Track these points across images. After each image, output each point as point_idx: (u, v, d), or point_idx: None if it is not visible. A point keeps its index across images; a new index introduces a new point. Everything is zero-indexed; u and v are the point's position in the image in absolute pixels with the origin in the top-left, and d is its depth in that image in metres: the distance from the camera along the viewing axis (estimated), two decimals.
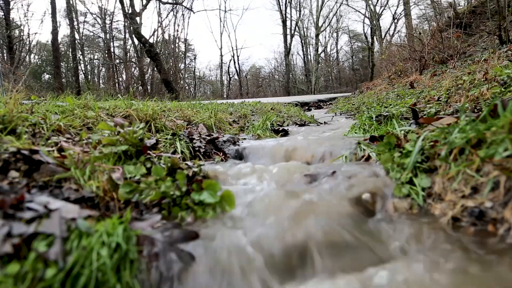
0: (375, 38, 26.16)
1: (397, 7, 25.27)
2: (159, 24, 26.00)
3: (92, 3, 39.09)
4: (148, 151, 1.38)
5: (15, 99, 1.45)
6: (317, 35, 28.96)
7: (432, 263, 0.77)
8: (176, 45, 27.78)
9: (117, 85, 24.26)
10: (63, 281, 0.65)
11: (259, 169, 1.48)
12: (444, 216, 0.95)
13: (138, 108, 2.30)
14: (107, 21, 26.47)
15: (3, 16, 18.50)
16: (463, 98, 2.64)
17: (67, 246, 0.71)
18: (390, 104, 4.12)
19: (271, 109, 4.86)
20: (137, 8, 19.38)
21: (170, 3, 24.23)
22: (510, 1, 7.08)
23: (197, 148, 1.97)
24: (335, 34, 33.43)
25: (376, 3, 25.26)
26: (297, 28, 30.80)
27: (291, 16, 30.46)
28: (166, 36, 26.85)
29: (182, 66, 29.24)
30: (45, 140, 1.40)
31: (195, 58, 32.32)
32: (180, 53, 28.94)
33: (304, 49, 32.15)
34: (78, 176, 1.07)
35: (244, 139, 2.51)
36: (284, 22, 29.40)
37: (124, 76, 25.82)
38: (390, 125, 2.40)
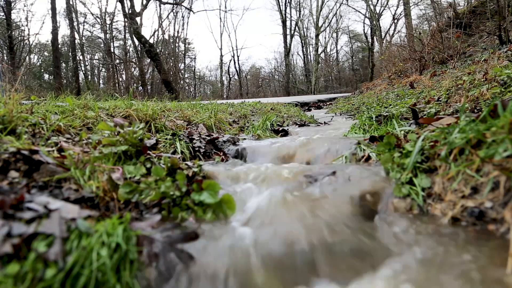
0: (375, 38, 26.17)
1: (397, 7, 25.31)
2: (159, 25, 26.02)
3: (92, 3, 39.18)
4: (148, 151, 1.38)
5: (15, 99, 1.45)
6: (317, 35, 28.97)
7: (432, 263, 0.77)
8: (176, 45, 27.80)
9: (117, 85, 24.26)
10: (63, 281, 0.65)
11: (259, 169, 1.48)
12: (444, 216, 0.95)
13: (138, 108, 2.30)
14: (107, 21, 26.50)
15: (4, 17, 18.51)
16: (463, 98, 2.64)
17: (67, 246, 0.71)
18: (390, 104, 4.12)
19: (271, 109, 4.86)
20: (137, 8, 19.40)
21: (170, 3, 24.24)
22: (510, 1, 7.08)
23: (197, 148, 1.97)
24: (335, 34, 33.48)
25: (376, 3, 25.29)
26: (297, 28, 30.84)
27: (291, 16, 30.52)
28: (166, 36, 26.88)
29: (182, 66, 29.27)
30: (45, 140, 1.40)
31: (195, 58, 32.37)
32: (180, 53, 28.95)
33: (304, 49, 32.21)
34: (78, 176, 1.07)
35: (244, 139, 2.51)
36: (284, 22, 29.41)
37: (124, 76, 25.83)
38: (390, 125, 2.40)
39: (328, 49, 34.23)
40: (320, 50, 30.50)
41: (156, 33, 25.99)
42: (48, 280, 0.64)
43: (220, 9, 34.26)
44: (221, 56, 32.49)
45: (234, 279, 0.76)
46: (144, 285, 0.74)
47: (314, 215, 0.99)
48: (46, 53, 28.09)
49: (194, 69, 32.71)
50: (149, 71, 25.68)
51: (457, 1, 11.08)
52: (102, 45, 27.96)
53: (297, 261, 0.83)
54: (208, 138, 2.11)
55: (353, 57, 34.08)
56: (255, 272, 0.78)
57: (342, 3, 28.72)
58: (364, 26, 32.11)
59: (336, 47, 34.84)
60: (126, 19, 19.85)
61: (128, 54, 26.50)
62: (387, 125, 2.44)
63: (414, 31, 12.94)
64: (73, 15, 24.12)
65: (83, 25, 27.05)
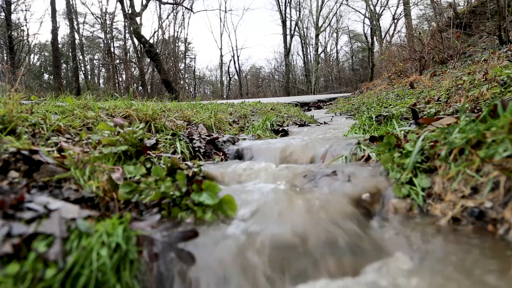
0: (375, 38, 26.17)
1: (397, 7, 25.30)
2: (159, 25, 26.02)
3: (92, 3, 39.23)
4: (148, 151, 1.38)
5: (15, 99, 1.45)
6: (317, 35, 28.96)
7: (432, 264, 0.77)
8: (176, 45, 27.80)
9: (117, 85, 24.26)
10: (63, 281, 0.65)
11: (259, 169, 1.48)
12: (444, 216, 0.95)
13: (138, 108, 2.31)
14: (107, 21, 26.49)
15: (4, 17, 18.51)
16: (463, 98, 2.64)
17: (67, 246, 0.71)
18: (390, 104, 4.12)
19: (271, 109, 4.86)
20: (137, 8, 19.40)
21: (170, 3, 24.24)
22: (510, 1, 7.09)
23: (197, 148, 1.98)
24: (335, 34, 33.48)
25: (376, 3, 25.28)
26: (297, 28, 30.84)
27: (291, 16, 30.53)
28: (166, 37, 26.87)
29: (182, 66, 29.27)
30: (45, 140, 1.40)
31: (195, 58, 32.39)
32: (180, 53, 28.95)
33: (304, 49, 32.21)
34: (78, 176, 1.07)
35: (244, 139, 2.51)
36: (284, 22, 29.42)
37: (124, 76, 25.83)
38: (390, 125, 2.40)
39: (328, 49, 34.27)
40: (320, 50, 30.51)
41: (156, 33, 26.01)
42: (48, 280, 0.64)
43: (220, 9, 34.37)
44: (221, 56, 32.52)
45: (233, 276, 0.76)
46: (144, 285, 0.74)
47: (314, 215, 0.99)
48: (46, 53, 28.11)
49: (194, 69, 32.74)
50: (149, 71, 25.68)
51: (457, 1, 11.08)
52: (102, 45, 27.97)
53: (293, 259, 0.83)
54: (208, 138, 2.11)
55: (353, 57, 34.08)
56: (253, 269, 0.78)
57: (342, 3, 28.75)
58: (364, 26, 32.13)
59: (336, 47, 34.89)
60: (126, 19, 19.86)
61: (128, 54, 26.50)
62: (387, 125, 2.44)
63: (414, 31, 12.94)
64: (73, 15, 24.12)
65: (83, 25, 27.07)
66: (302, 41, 31.96)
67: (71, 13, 23.46)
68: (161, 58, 19.87)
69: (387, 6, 25.76)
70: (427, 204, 1.03)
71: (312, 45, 31.16)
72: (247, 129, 3.14)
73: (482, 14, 9.18)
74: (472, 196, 0.93)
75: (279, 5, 29.54)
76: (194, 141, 2.03)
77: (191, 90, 31.99)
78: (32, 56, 26.69)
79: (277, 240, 0.87)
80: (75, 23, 24.69)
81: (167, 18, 27.26)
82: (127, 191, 1.05)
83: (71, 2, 23.76)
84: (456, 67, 5.96)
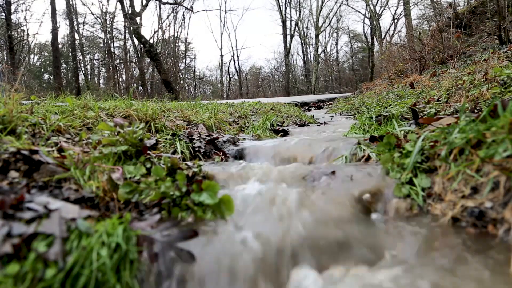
0: (375, 38, 26.17)
1: (397, 7, 25.30)
2: (159, 25, 26.02)
3: (93, 3, 39.25)
4: (148, 151, 1.38)
5: (15, 99, 1.45)
6: (317, 35, 28.96)
7: (431, 264, 0.77)
8: (176, 45, 27.79)
9: (117, 85, 24.25)
10: (63, 281, 0.65)
11: (259, 169, 1.48)
12: (444, 216, 0.95)
13: (138, 108, 2.30)
14: (107, 21, 26.48)
15: (4, 17, 18.51)
16: (463, 98, 2.64)
17: (67, 246, 0.71)
18: (390, 104, 4.12)
19: (271, 109, 4.86)
20: (137, 8, 19.39)
21: (170, 3, 24.23)
22: (510, 1, 7.09)
23: (197, 148, 1.97)
24: (335, 34, 33.48)
25: (376, 3, 25.27)
26: (297, 28, 30.85)
27: (291, 16, 30.54)
28: (166, 37, 26.88)
29: (182, 66, 29.27)
30: (45, 140, 1.40)
31: (195, 58, 32.39)
32: (180, 53, 28.95)
33: (304, 49, 32.21)
34: (78, 176, 1.07)
35: (244, 139, 2.51)
36: (284, 22, 29.42)
37: (124, 76, 25.82)
38: (390, 125, 2.40)
39: (328, 49, 34.27)
40: (320, 50, 30.51)
41: (156, 33, 26.01)
42: (48, 280, 0.64)
43: (220, 9, 34.35)
44: (221, 56, 32.53)
45: (233, 276, 0.76)
46: (144, 285, 0.74)
47: (314, 214, 0.99)
48: (46, 53, 28.12)
49: (194, 69, 32.75)
50: (149, 71, 25.68)
51: (457, 1, 11.08)
52: (102, 45, 27.97)
53: (291, 258, 0.83)
54: (208, 138, 2.11)
55: (353, 57, 34.06)
56: (252, 268, 0.78)
57: (342, 3, 28.75)
58: (364, 26, 32.12)
59: (336, 47, 34.89)
60: (126, 19, 19.85)
61: (128, 54, 26.49)
62: (387, 125, 2.44)
63: (414, 31, 12.95)
64: (73, 15, 24.11)
65: (83, 25, 27.06)
66: (302, 41, 31.97)
67: (71, 13, 23.45)
68: (161, 58, 19.87)
69: (387, 6, 25.77)
70: (427, 204, 1.03)
71: (312, 45, 31.19)
72: (247, 129, 3.14)
73: (482, 14, 9.18)
74: (472, 196, 0.93)
75: (279, 5, 29.56)
76: (194, 141, 2.03)
77: (191, 90, 32.00)
78: (32, 56, 26.74)
79: (274, 239, 0.87)
80: (75, 23, 24.68)
81: (167, 18, 27.27)
82: (127, 191, 1.05)
83: (71, 2, 23.75)
84: (456, 67, 5.96)
